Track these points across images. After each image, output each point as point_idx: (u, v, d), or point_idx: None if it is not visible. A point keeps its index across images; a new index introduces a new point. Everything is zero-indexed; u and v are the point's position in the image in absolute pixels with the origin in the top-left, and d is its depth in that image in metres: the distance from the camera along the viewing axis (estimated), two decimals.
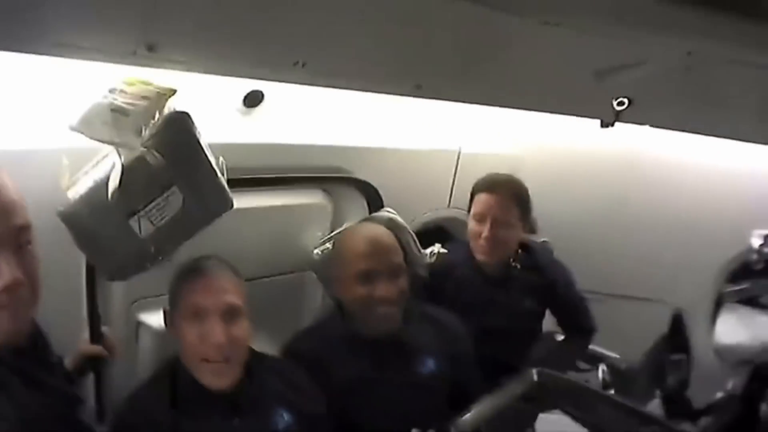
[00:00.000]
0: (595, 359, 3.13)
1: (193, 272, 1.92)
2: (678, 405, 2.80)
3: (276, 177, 2.56)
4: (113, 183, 1.65)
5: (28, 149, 1.88)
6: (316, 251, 2.68)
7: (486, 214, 2.65)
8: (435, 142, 3.19)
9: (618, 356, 3.20)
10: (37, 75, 1.81)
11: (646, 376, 3.21)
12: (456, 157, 3.26)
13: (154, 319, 2.26)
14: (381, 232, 2.32)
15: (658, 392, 2.98)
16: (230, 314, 1.87)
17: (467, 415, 1.84)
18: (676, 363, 3.02)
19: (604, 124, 2.21)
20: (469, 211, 2.76)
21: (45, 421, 1.47)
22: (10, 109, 1.86)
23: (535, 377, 1.93)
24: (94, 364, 2.02)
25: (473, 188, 2.75)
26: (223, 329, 1.83)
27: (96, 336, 2.02)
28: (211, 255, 1.99)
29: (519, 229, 2.72)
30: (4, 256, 1.31)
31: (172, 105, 1.75)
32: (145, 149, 1.65)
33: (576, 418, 1.95)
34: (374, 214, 2.72)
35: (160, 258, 1.80)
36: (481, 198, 2.69)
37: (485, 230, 2.65)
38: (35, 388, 1.48)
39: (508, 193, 2.67)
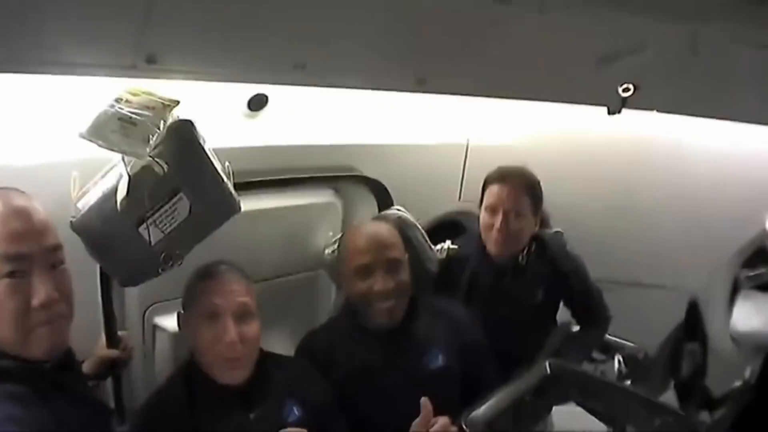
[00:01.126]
0: (611, 349, 3.12)
1: (205, 276, 1.97)
2: (694, 394, 2.79)
3: (285, 178, 2.59)
4: (121, 192, 1.68)
5: (37, 164, 1.91)
6: (327, 251, 2.71)
7: (498, 205, 2.64)
8: (442, 136, 3.19)
9: (634, 345, 3.19)
10: (36, 87, 1.84)
11: (662, 365, 3.19)
12: (464, 150, 3.27)
13: (169, 322, 2.29)
14: (380, 228, 2.36)
15: (673, 381, 2.97)
16: (242, 314, 1.93)
17: (480, 409, 1.84)
18: (691, 351, 3.01)
19: (611, 112, 2.20)
20: (480, 203, 2.74)
21: None
22: (14, 125, 1.89)
23: (548, 369, 1.94)
24: (111, 367, 2.06)
25: (484, 180, 2.74)
26: (235, 328, 1.89)
27: (112, 340, 2.06)
28: (222, 260, 2.03)
29: (531, 220, 2.71)
30: (38, 275, 1.43)
31: (176, 112, 1.77)
32: (150, 158, 1.67)
33: (590, 409, 1.95)
34: (383, 212, 2.74)
35: (171, 263, 1.82)
36: (493, 189, 2.67)
37: (497, 222, 2.63)
38: (75, 401, 1.52)
39: (519, 184, 2.66)
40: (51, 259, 1.47)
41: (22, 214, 1.44)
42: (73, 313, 1.54)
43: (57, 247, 1.50)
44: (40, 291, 1.42)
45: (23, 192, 1.51)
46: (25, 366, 1.42)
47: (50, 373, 1.48)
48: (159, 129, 1.68)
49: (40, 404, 1.39)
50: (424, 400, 1.88)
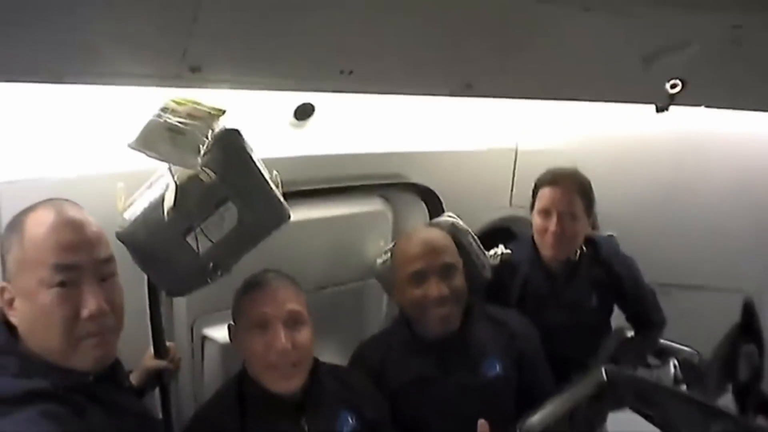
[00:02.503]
0: (666, 354, 3.05)
1: (253, 285, 1.96)
2: (752, 398, 2.72)
3: (333, 187, 2.57)
4: (168, 202, 1.68)
5: (83, 175, 1.90)
6: (379, 261, 2.67)
7: (551, 208, 2.61)
8: (491, 141, 3.16)
9: (689, 349, 3.12)
10: (81, 98, 1.84)
11: (718, 369, 3.12)
12: (514, 155, 3.23)
13: (218, 333, 2.29)
14: (433, 233, 2.32)
15: (730, 386, 2.89)
16: (293, 321, 1.91)
17: (535, 416, 1.82)
18: (749, 354, 2.93)
19: (659, 109, 2.18)
20: (532, 207, 2.72)
21: None
22: (60, 136, 1.89)
23: (605, 375, 1.90)
24: (159, 378, 2.07)
25: (536, 183, 2.71)
26: (286, 335, 1.87)
27: (160, 351, 2.06)
28: (270, 269, 2.02)
29: (585, 222, 2.67)
30: (89, 286, 1.44)
31: (223, 123, 1.77)
32: (198, 167, 1.66)
33: (646, 416, 1.91)
34: (435, 220, 2.69)
35: (219, 273, 1.81)
36: (545, 192, 2.64)
37: (552, 225, 2.60)
38: (118, 414, 1.52)
39: (572, 186, 2.62)
40: (102, 270, 1.48)
41: (75, 225, 1.45)
42: (122, 327, 1.55)
43: (108, 260, 1.51)
44: (90, 302, 1.43)
45: (77, 204, 1.53)
46: (64, 382, 1.41)
47: (92, 386, 1.48)
48: (207, 138, 1.67)
49: (78, 421, 1.38)
50: (482, 423, 1.82)
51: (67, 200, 1.52)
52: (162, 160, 1.66)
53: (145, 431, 1.68)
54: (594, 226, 2.87)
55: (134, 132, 1.64)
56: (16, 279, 1.45)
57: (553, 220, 2.59)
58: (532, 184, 2.72)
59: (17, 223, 1.47)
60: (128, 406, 1.63)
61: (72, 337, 1.43)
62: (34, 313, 1.42)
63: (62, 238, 1.42)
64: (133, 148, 1.63)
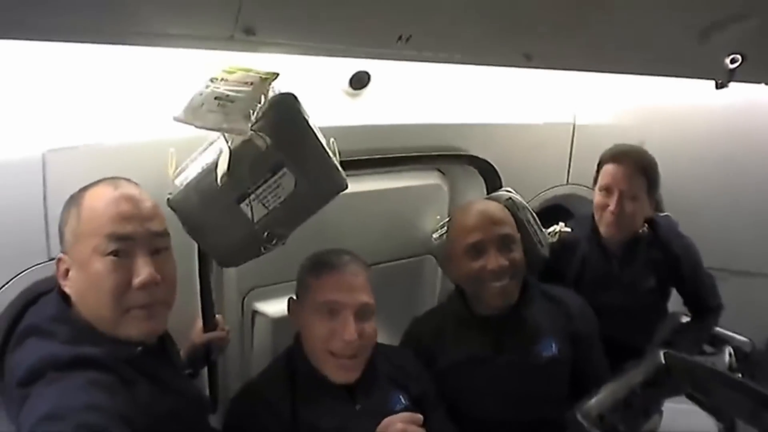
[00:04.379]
0: (721, 341, 2.99)
1: (329, 267, 1.94)
2: None
3: (388, 158, 2.51)
4: (222, 167, 1.63)
5: (134, 142, 1.89)
6: (434, 235, 2.63)
7: (613, 186, 2.55)
8: (549, 115, 3.09)
9: (745, 338, 3.04)
10: (134, 63, 1.84)
11: None
12: (571, 130, 3.16)
13: (270, 308, 2.29)
14: (489, 205, 2.28)
15: None
16: (363, 312, 1.90)
17: (591, 401, 1.77)
18: None
19: (718, 86, 2.11)
20: (594, 183, 2.67)
21: (170, 424, 1.50)
22: (111, 103, 1.88)
23: (662, 359, 1.85)
24: (207, 354, 2.05)
25: (600, 159, 2.65)
26: (355, 327, 1.86)
27: (209, 324, 2.05)
28: (345, 249, 2.01)
29: (646, 203, 2.61)
30: (141, 257, 1.50)
31: (277, 88, 1.73)
32: (252, 132, 1.62)
33: (701, 403, 1.91)
34: (493, 194, 2.63)
35: (274, 242, 1.76)
36: (608, 169, 2.58)
37: (612, 203, 2.55)
38: (166, 389, 1.53)
39: (636, 165, 2.55)
40: (155, 243, 1.54)
41: (132, 198, 1.52)
42: (173, 301, 1.61)
43: (162, 233, 1.57)
44: (142, 271, 1.48)
45: (134, 182, 1.58)
46: (112, 352, 1.44)
47: (140, 358, 1.50)
48: (259, 103, 1.63)
49: (126, 392, 1.39)
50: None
51: (125, 178, 1.58)
52: (212, 129, 1.63)
53: (194, 410, 1.70)
54: (658, 208, 2.81)
55: (182, 103, 1.62)
56: (72, 249, 1.50)
57: (614, 198, 2.54)
58: (592, 161, 2.67)
59: (77, 197, 1.53)
60: (178, 384, 1.65)
61: (122, 306, 1.47)
62: (87, 281, 1.47)
63: (118, 209, 1.49)
64: (179, 120, 1.60)
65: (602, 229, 2.64)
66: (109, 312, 1.46)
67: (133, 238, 1.49)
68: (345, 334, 1.84)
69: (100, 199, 1.49)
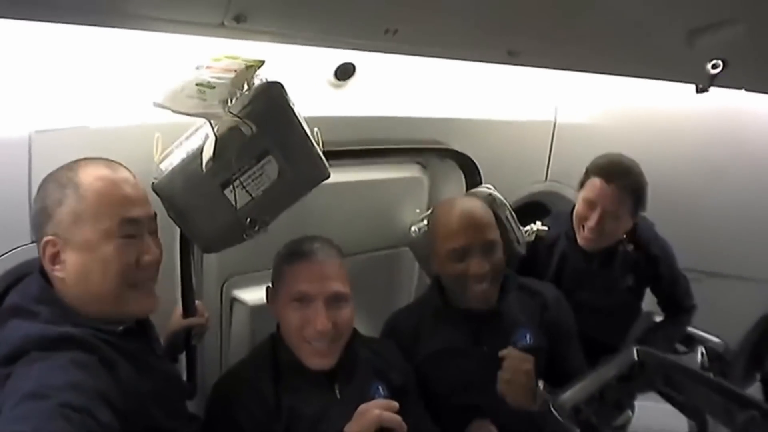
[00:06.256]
0: (694, 341, 3.04)
1: (299, 255, 1.94)
2: None
3: (370, 150, 2.52)
4: (207, 153, 1.64)
5: (120, 125, 1.88)
6: (413, 228, 2.65)
7: (596, 202, 2.52)
8: (530, 112, 3.11)
9: (716, 339, 3.09)
10: (122, 47, 1.83)
11: (746, 358, 3.10)
12: (552, 128, 3.18)
13: (249, 295, 2.29)
14: (475, 207, 2.27)
15: (758, 375, 2.87)
16: (335, 300, 1.90)
17: (566, 393, 1.83)
18: None
19: (699, 90, 2.13)
20: (580, 186, 2.62)
21: (151, 405, 1.51)
22: (100, 86, 1.86)
23: (636, 356, 1.91)
24: (187, 339, 2.06)
25: (589, 168, 2.59)
26: (327, 315, 1.86)
27: (189, 309, 2.06)
28: (317, 236, 2.01)
29: (628, 221, 2.60)
30: (148, 237, 1.57)
31: (262, 74, 1.73)
32: (238, 119, 1.63)
33: (674, 401, 1.92)
34: (474, 190, 2.64)
35: (256, 229, 1.78)
36: (596, 183, 2.53)
37: (593, 219, 2.53)
38: (146, 371, 1.54)
39: (625, 186, 2.50)
40: (153, 225, 1.61)
41: (131, 182, 1.56)
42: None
43: (154, 216, 1.62)
44: (152, 249, 1.57)
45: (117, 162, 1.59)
46: (94, 332, 1.44)
47: (122, 340, 1.51)
48: (242, 90, 1.65)
49: (108, 372, 1.40)
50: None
51: (106, 159, 1.58)
52: (188, 115, 1.62)
53: (174, 392, 1.71)
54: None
55: (163, 87, 1.63)
56: (70, 231, 1.47)
57: (595, 215, 2.52)
58: (571, 159, 2.68)
59: (68, 178, 1.50)
60: (158, 366, 1.66)
61: (129, 281, 1.51)
62: (91, 262, 1.48)
63: (126, 192, 1.52)
64: (158, 105, 1.61)
65: (579, 239, 2.63)
66: (114, 291, 1.49)
67: (141, 221, 1.54)
68: (317, 324, 1.85)
69: (101, 180, 1.49)
